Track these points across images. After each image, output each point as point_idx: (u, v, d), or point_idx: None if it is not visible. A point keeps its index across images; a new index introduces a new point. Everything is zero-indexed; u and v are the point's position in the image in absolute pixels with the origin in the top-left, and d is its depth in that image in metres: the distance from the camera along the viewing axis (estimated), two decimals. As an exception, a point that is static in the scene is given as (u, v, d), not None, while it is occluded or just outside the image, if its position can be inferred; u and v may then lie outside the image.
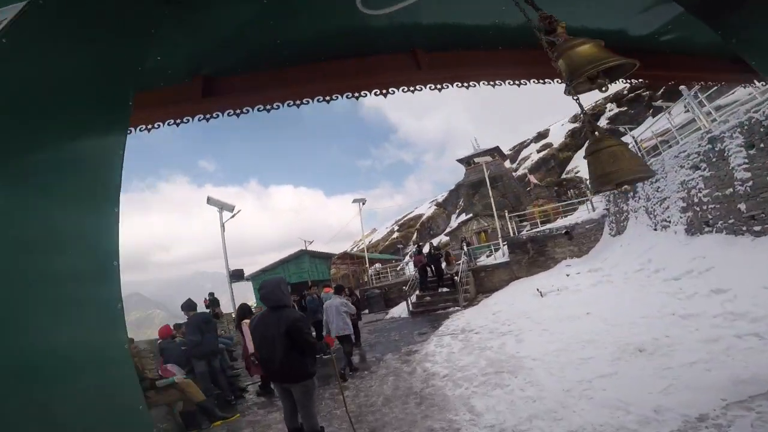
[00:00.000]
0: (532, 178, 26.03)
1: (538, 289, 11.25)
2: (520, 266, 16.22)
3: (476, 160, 19.92)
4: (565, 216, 19.52)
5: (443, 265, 15.24)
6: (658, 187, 10.85)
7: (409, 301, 14.36)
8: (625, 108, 42.65)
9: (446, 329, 9.88)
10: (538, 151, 50.91)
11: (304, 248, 18.13)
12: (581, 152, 49.01)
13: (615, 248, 13.19)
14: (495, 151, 30.49)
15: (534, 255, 16.16)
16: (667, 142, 13.53)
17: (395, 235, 55.16)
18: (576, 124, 51.27)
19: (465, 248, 17.14)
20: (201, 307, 8.97)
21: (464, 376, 5.73)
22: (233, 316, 11.85)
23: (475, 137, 31.01)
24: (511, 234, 17.22)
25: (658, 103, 21.86)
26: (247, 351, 7.11)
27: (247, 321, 7.29)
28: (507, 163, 40.77)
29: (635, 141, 12.75)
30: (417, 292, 15.59)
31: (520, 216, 25.23)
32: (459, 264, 15.44)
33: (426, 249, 16.14)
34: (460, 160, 31.03)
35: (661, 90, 38.50)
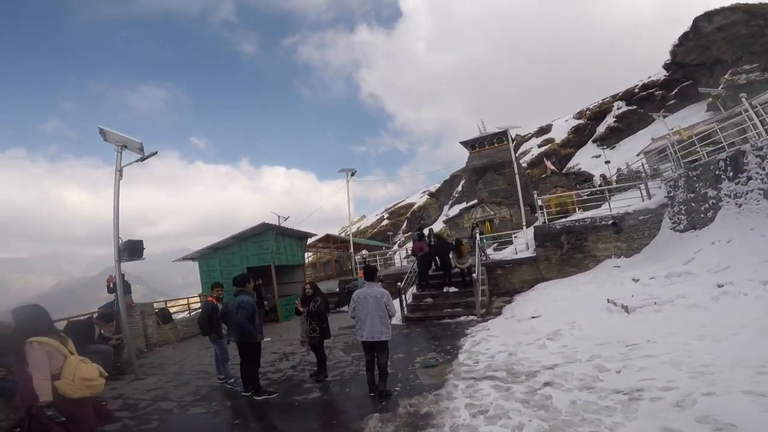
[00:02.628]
0: (549, 164, 21.92)
1: (610, 300, 7.07)
2: (549, 264, 12.12)
3: (504, 128, 15.46)
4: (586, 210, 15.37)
5: (451, 256, 10.96)
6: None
7: (404, 301, 10.08)
8: (635, 107, 38.96)
9: (473, 361, 5.60)
10: (539, 146, 47.17)
11: (268, 222, 13.39)
12: (584, 149, 45.48)
13: (698, 247, 9.12)
14: (503, 136, 26.35)
15: (569, 251, 12.07)
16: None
17: (385, 222, 51.06)
18: (580, 121, 47.57)
19: (477, 236, 12.89)
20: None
21: None
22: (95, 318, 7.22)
23: (482, 119, 26.74)
24: (540, 222, 13.01)
25: (703, 89, 17.89)
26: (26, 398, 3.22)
27: (41, 341, 2.97)
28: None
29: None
30: (414, 289, 11.32)
31: (531, 205, 21.22)
32: (471, 257, 11.17)
33: (428, 232, 11.83)
34: (464, 143, 26.82)
35: (675, 90, 34.80)
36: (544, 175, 21.17)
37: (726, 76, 21.31)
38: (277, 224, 13.62)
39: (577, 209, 16.34)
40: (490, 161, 25.51)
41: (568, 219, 12.85)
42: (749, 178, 8.23)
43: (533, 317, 8.07)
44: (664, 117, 17.13)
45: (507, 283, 12.40)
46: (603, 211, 12.59)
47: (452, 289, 10.48)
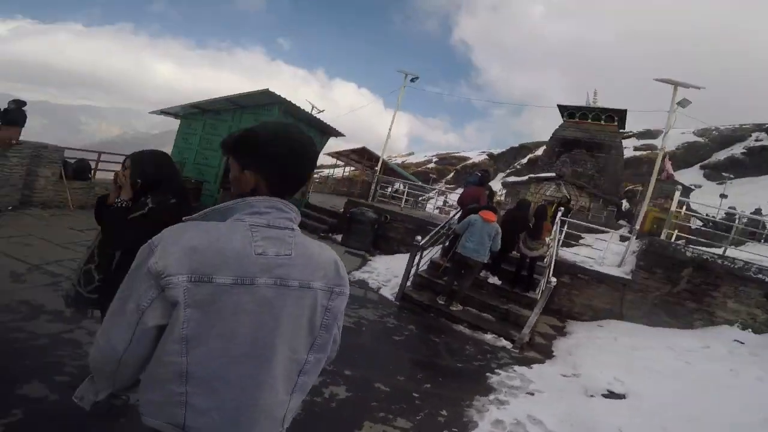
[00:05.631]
0: (669, 167, 16.09)
1: None
2: (644, 299, 7.70)
3: (674, 81, 9.81)
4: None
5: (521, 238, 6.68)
6: None
7: (416, 265, 6.23)
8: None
9: None
10: (636, 149, 39.02)
11: (275, 93, 8.82)
12: (689, 170, 37.28)
13: None
14: (617, 114, 20.24)
15: (682, 291, 7.54)
16: None
17: (431, 165, 46.15)
18: (699, 139, 38.43)
19: (558, 217, 8.51)
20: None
21: None
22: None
23: (595, 89, 20.29)
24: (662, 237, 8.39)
25: None
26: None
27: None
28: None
29: None
30: (437, 253, 7.39)
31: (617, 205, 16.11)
32: (549, 243, 6.90)
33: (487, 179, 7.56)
34: (561, 107, 21.25)
35: None
36: (659, 177, 15.50)
37: None
38: (292, 103, 9.64)
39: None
40: (586, 137, 19.92)
41: (709, 250, 8.09)
42: None
43: (612, 393, 4.12)
44: None
45: (566, 299, 8.21)
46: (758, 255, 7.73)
47: (494, 280, 6.49)
